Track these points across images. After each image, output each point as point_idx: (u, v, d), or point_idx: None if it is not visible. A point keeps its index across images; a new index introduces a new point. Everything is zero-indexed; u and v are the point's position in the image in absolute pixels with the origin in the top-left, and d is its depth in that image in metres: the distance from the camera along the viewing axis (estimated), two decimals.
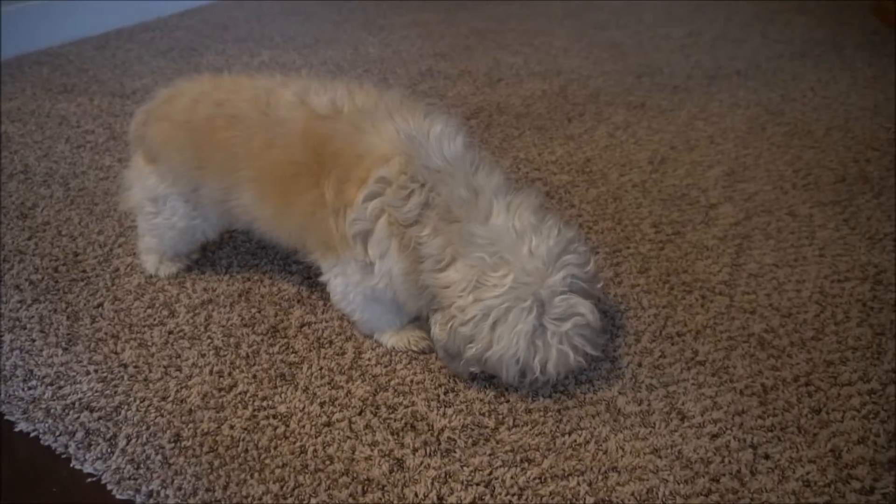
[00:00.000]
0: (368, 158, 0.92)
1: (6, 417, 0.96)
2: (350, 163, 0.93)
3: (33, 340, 1.09)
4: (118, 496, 0.85)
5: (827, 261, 1.22)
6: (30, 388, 1.00)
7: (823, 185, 1.45)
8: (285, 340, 1.08)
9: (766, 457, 0.87)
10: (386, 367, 1.03)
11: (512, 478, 0.86)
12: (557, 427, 0.92)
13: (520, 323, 0.86)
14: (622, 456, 0.88)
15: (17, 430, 0.94)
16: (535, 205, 0.94)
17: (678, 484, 0.84)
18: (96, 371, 1.03)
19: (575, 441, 0.90)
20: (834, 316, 1.09)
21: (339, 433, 0.92)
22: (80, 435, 0.93)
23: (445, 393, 0.98)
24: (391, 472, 0.87)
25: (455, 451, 0.89)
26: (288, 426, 0.93)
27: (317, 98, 0.98)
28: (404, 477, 0.86)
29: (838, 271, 1.19)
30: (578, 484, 0.84)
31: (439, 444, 0.90)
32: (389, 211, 0.90)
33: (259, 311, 1.14)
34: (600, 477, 0.85)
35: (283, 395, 0.98)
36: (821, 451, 0.87)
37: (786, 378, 0.98)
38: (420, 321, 1.06)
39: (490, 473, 0.86)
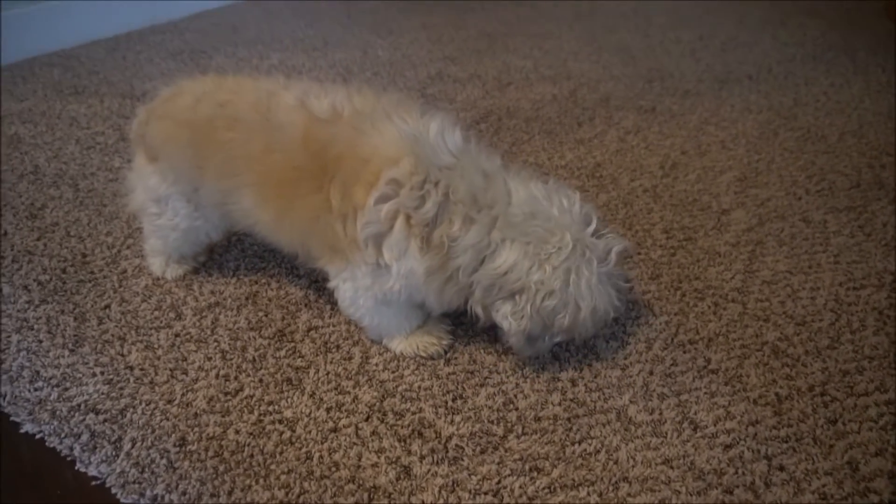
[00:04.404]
0: (375, 160, 0.91)
1: (12, 419, 0.96)
2: (355, 166, 0.92)
3: (40, 341, 1.08)
4: (122, 500, 0.84)
5: (842, 268, 1.20)
6: (36, 390, 1.00)
7: (838, 190, 1.43)
8: (292, 344, 1.07)
9: (781, 468, 0.85)
10: (393, 372, 1.02)
11: (521, 487, 0.84)
12: (567, 436, 0.91)
13: (592, 275, 0.92)
14: (633, 466, 0.86)
15: (22, 431, 0.94)
16: (533, 173, 1.00)
17: (690, 495, 0.82)
18: (102, 373, 1.02)
19: (585, 450, 0.89)
20: (850, 324, 1.07)
21: (345, 439, 0.91)
22: (85, 437, 0.92)
23: (453, 400, 0.97)
24: (398, 479, 0.86)
25: (463, 459, 0.88)
26: (294, 431, 0.92)
27: (317, 102, 0.98)
28: (411, 485, 0.85)
29: (854, 278, 1.17)
30: (588, 494, 0.83)
31: (447, 451, 0.89)
32: (407, 212, 0.90)
33: (266, 315, 1.13)
34: (611, 487, 0.84)
35: (289, 399, 0.97)
36: (837, 462, 0.86)
37: (801, 388, 0.96)
38: (429, 326, 1.05)
39: (498, 482, 0.85)
